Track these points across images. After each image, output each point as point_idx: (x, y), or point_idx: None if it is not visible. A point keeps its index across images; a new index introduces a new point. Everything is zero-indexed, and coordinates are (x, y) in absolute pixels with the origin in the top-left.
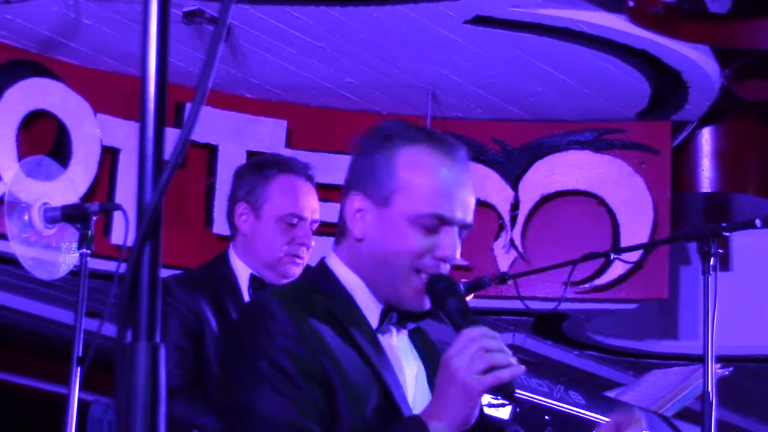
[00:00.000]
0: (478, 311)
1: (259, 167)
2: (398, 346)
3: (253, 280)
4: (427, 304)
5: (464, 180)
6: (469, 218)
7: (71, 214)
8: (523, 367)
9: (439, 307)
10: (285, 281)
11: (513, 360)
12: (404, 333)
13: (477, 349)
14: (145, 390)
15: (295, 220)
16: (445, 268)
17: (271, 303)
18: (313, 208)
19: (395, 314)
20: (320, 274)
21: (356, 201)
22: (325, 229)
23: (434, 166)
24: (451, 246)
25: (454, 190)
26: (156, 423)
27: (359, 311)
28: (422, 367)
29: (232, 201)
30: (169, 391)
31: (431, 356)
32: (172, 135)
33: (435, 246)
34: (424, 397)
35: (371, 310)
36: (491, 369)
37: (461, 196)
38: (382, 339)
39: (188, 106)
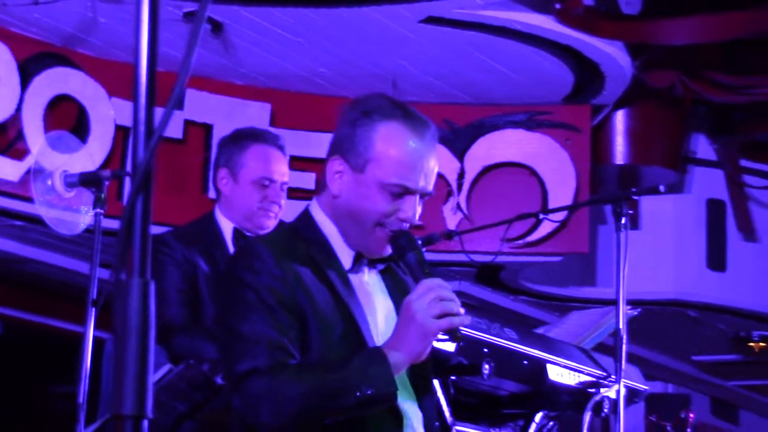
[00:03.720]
0: (429, 263)
1: (237, 138)
2: (369, 282)
3: (236, 232)
4: (388, 251)
5: (428, 154)
6: (430, 187)
7: (87, 180)
8: (469, 318)
9: (401, 258)
10: (261, 232)
11: (462, 310)
12: (375, 272)
13: (434, 296)
14: (137, 319)
15: (267, 182)
16: (405, 226)
17: (259, 247)
18: (282, 172)
19: (365, 258)
20: (303, 220)
21: (336, 164)
22: (301, 194)
23: (404, 141)
24: (412, 210)
25: (418, 162)
26: (147, 346)
27: (334, 254)
28: (391, 302)
29: (216, 167)
30: (173, 329)
31: (401, 292)
32: (173, 115)
33: (399, 209)
34: (391, 327)
35: (345, 253)
36: (445, 315)
37: (424, 169)
38: (355, 277)
39: (187, 91)
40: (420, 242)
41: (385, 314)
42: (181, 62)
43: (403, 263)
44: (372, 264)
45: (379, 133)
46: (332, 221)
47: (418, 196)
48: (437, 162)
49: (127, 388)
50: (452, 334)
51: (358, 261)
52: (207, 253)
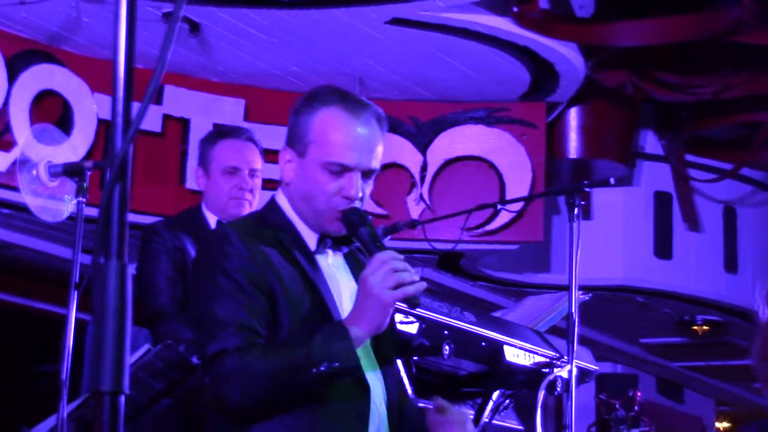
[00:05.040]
0: (395, 250)
1: (209, 137)
2: (333, 264)
3: (219, 225)
4: (344, 230)
5: (366, 132)
6: (373, 164)
7: (71, 170)
8: (424, 283)
9: (354, 234)
10: None
11: (416, 277)
12: (339, 255)
13: (388, 269)
14: (115, 298)
15: (233, 170)
16: (357, 205)
17: (228, 232)
18: (248, 159)
19: (329, 240)
20: (270, 208)
21: (286, 154)
22: (276, 185)
23: (341, 123)
24: (353, 186)
25: (355, 141)
26: (124, 325)
27: (300, 237)
28: (355, 283)
29: (197, 167)
30: (162, 316)
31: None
32: (152, 110)
33: (341, 187)
34: None
35: (309, 236)
36: (399, 285)
37: (362, 147)
38: (321, 259)
39: (165, 87)
40: (381, 230)
41: (350, 294)
42: (158, 58)
43: (356, 239)
44: (336, 246)
45: (318, 117)
46: (292, 208)
47: (359, 174)
48: (381, 140)
49: (105, 366)
50: (409, 301)
51: (322, 242)
52: (196, 240)
